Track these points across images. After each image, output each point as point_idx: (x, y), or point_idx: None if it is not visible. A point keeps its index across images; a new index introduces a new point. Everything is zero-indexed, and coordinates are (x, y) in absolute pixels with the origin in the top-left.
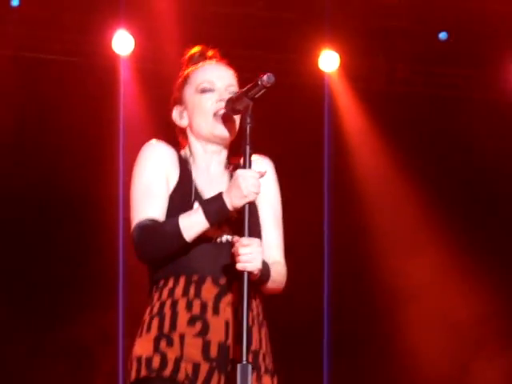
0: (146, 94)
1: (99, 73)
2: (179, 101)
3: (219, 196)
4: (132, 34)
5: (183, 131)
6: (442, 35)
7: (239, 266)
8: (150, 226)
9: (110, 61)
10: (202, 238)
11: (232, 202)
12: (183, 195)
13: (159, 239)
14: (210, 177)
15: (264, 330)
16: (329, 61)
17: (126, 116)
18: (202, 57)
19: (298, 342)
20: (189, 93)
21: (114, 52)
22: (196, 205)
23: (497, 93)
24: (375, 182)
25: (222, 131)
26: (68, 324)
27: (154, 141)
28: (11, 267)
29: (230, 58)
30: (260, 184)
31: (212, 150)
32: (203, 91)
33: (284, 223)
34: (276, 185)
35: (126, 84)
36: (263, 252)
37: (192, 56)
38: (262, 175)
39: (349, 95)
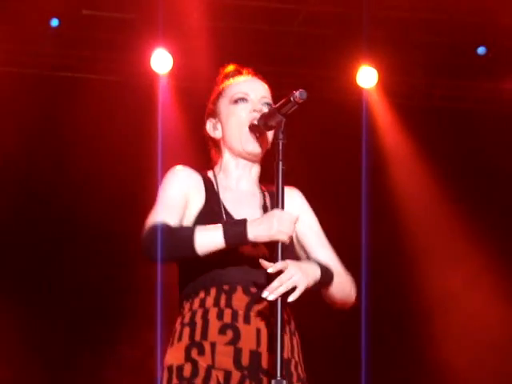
0: (184, 113)
1: (138, 91)
2: (213, 113)
3: (243, 222)
4: (170, 53)
5: (217, 144)
6: (481, 50)
7: (294, 296)
8: (163, 227)
9: (148, 79)
10: (235, 252)
11: (256, 234)
12: (212, 216)
13: (169, 243)
14: (239, 194)
15: (296, 339)
16: (367, 77)
17: (164, 134)
18: (237, 73)
19: (335, 356)
20: (223, 104)
21: (152, 70)
22: None
23: None
24: (413, 197)
25: (254, 148)
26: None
27: (178, 166)
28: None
29: (267, 74)
30: (294, 228)
31: (244, 163)
32: (237, 102)
33: None
34: (311, 211)
35: (165, 102)
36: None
37: (227, 74)
38: (296, 220)
39: (387, 111)
